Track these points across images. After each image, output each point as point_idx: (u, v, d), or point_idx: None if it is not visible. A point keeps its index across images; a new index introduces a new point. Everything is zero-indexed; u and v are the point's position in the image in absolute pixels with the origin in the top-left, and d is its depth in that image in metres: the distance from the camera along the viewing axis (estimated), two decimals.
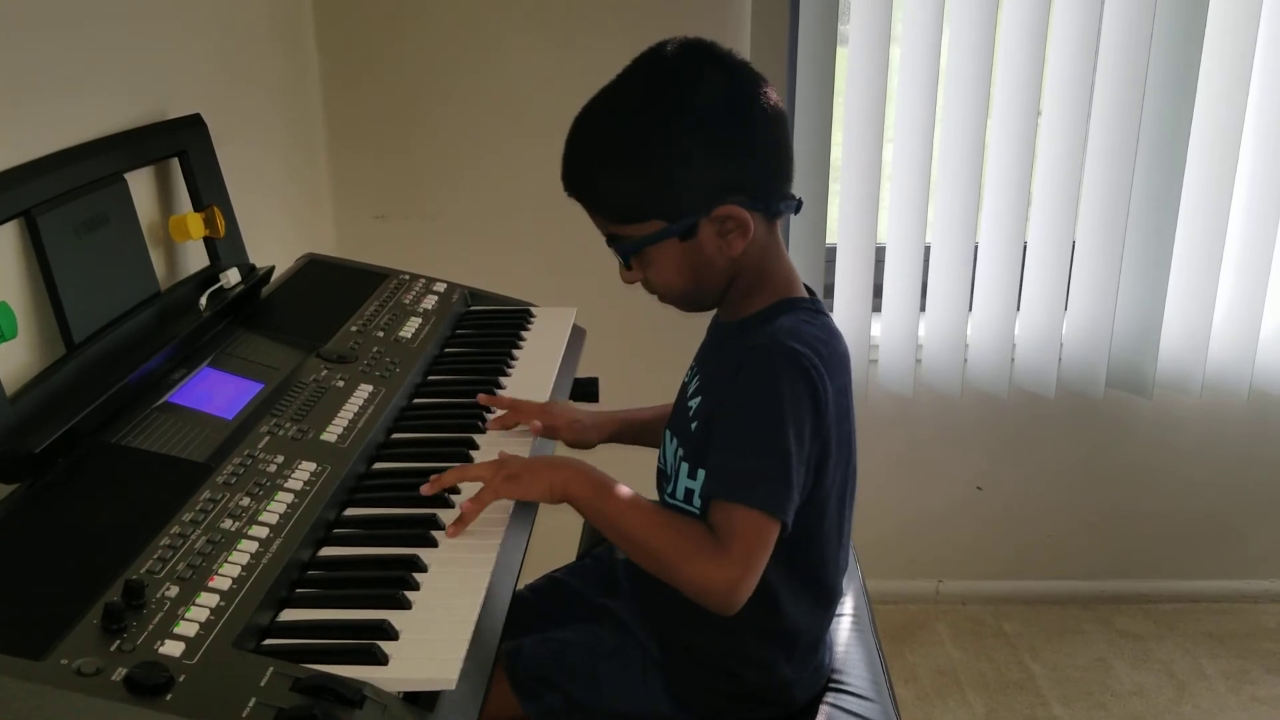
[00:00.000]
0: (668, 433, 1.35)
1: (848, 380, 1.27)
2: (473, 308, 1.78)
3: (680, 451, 1.30)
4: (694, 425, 1.28)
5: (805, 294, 1.29)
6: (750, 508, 1.15)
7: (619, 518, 1.19)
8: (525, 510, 1.23)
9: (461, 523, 1.14)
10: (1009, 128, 2.22)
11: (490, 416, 1.42)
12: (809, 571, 1.28)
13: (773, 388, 1.16)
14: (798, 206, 1.28)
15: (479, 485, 1.19)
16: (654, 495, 1.39)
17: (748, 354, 1.20)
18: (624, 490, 1.21)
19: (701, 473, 1.24)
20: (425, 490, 1.20)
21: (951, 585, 2.63)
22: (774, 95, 1.23)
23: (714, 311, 1.35)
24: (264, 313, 1.59)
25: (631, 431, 1.53)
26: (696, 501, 1.25)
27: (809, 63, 2.19)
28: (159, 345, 1.32)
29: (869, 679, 1.40)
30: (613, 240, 1.24)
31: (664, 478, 1.35)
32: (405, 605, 1.02)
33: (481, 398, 1.44)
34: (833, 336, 1.26)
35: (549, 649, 1.33)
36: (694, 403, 1.30)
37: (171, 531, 1.03)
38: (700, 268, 1.23)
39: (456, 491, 1.23)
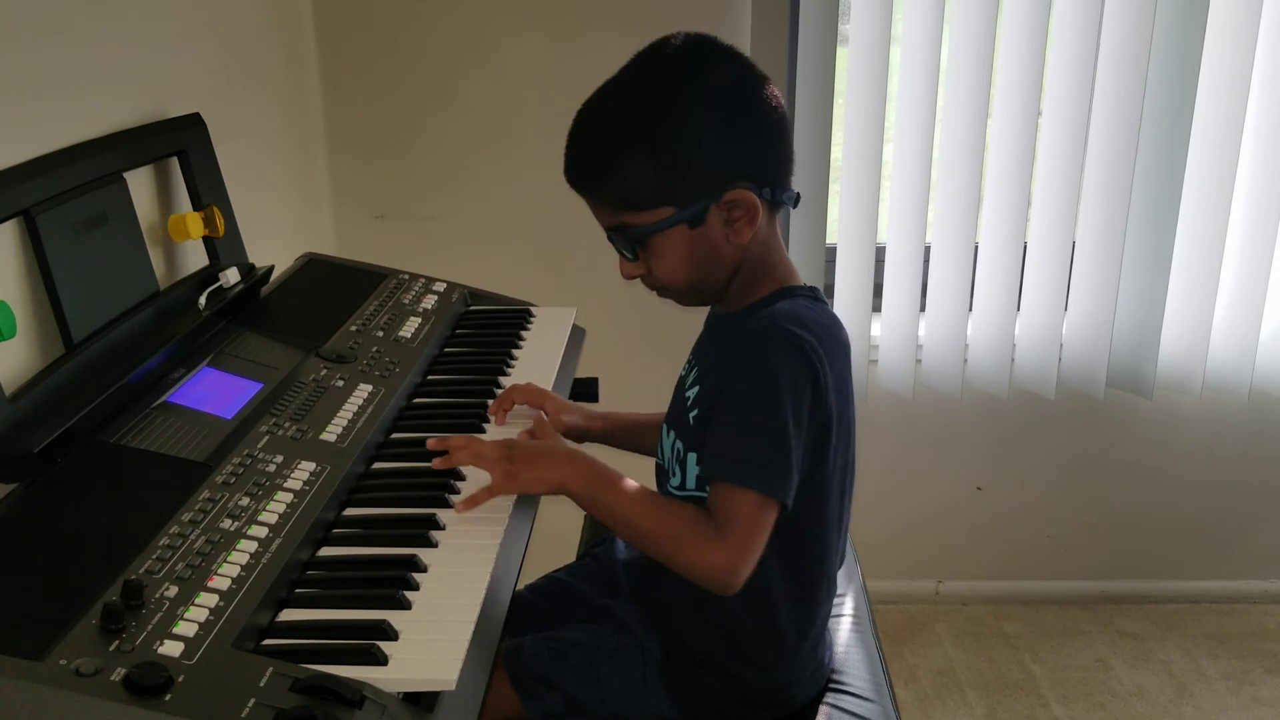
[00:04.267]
0: (665, 426, 1.35)
1: (847, 367, 1.27)
2: (472, 307, 1.78)
3: (679, 445, 1.30)
4: (692, 415, 1.28)
5: (804, 284, 1.30)
6: (749, 489, 1.16)
7: (616, 506, 1.22)
8: (525, 509, 1.23)
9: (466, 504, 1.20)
10: (1009, 128, 2.22)
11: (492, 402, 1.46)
12: (810, 560, 1.28)
13: (770, 369, 1.16)
14: (796, 200, 1.28)
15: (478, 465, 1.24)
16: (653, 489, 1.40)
17: (745, 336, 1.20)
18: (620, 480, 1.23)
19: None
20: (434, 454, 1.24)
21: (951, 585, 2.63)
22: (776, 91, 1.24)
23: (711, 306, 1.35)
24: (263, 312, 1.59)
25: (624, 433, 1.53)
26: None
27: (809, 62, 2.19)
28: (158, 345, 1.32)
29: (869, 680, 1.40)
30: (618, 231, 1.23)
31: (663, 473, 1.35)
32: (405, 605, 1.02)
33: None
34: (832, 323, 1.26)
35: (550, 648, 1.33)
36: (691, 393, 1.30)
37: (170, 531, 1.03)
38: (706, 256, 1.23)
39: (460, 477, 1.25)
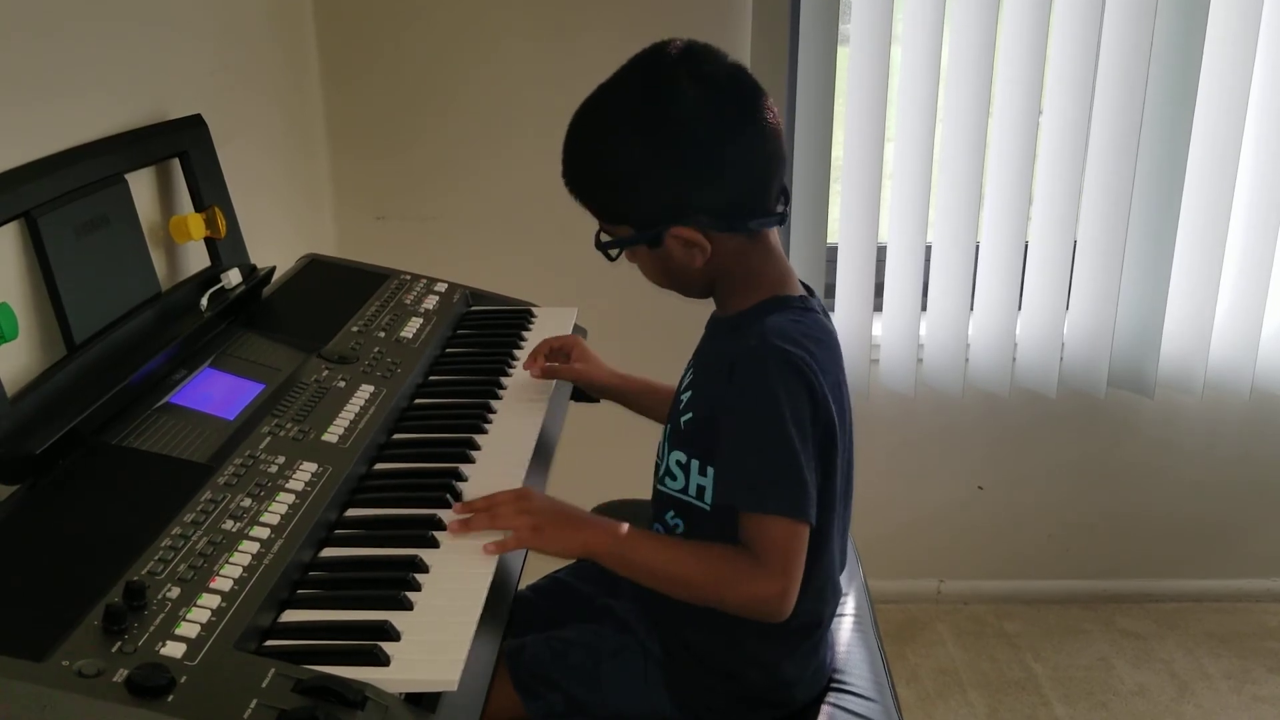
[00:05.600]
0: (666, 427, 1.35)
1: (841, 374, 1.28)
2: (474, 308, 1.78)
3: (677, 451, 1.30)
4: (684, 419, 1.29)
5: (798, 290, 1.30)
6: (777, 516, 1.17)
7: (647, 561, 1.21)
8: None
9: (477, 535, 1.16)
10: (1010, 127, 2.22)
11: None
12: (814, 567, 1.28)
13: (770, 391, 1.17)
14: (781, 220, 1.27)
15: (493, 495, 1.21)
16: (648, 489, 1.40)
17: (739, 359, 1.21)
18: (644, 534, 1.24)
19: (712, 470, 1.25)
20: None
21: (953, 585, 2.63)
22: (765, 106, 1.22)
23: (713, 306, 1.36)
24: (265, 313, 1.59)
25: (637, 395, 1.58)
26: (708, 498, 1.26)
27: (810, 62, 2.19)
28: (160, 346, 1.32)
29: (871, 679, 1.40)
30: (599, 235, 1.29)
31: (658, 469, 1.36)
32: (407, 606, 1.02)
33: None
34: (822, 332, 1.27)
35: (551, 648, 1.33)
36: (685, 396, 1.31)
37: (173, 532, 1.03)
38: (673, 271, 1.27)
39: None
